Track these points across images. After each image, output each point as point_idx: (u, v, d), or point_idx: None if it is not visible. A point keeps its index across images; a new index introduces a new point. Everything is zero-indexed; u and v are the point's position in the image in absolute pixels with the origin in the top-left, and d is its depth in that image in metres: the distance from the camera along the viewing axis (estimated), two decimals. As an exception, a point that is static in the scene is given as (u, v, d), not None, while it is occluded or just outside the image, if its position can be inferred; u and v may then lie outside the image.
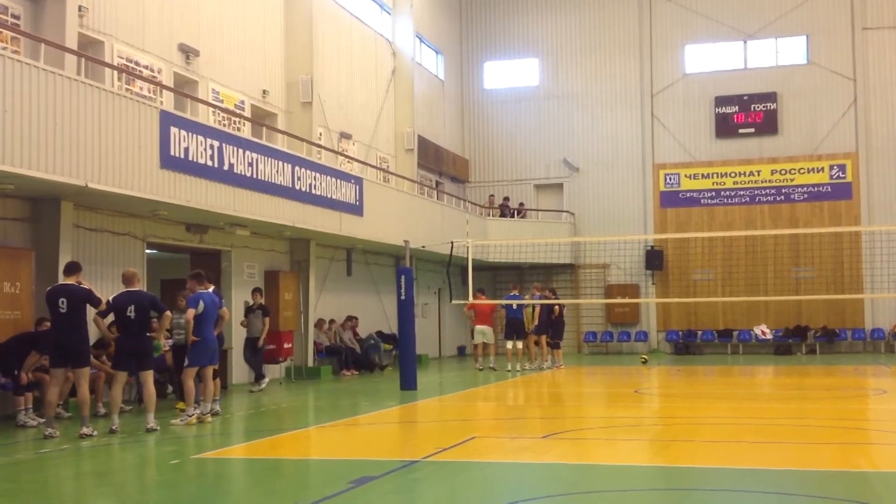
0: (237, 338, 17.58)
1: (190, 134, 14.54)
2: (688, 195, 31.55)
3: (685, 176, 31.64)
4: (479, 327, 22.13)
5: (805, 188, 30.59)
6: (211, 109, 18.12)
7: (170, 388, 14.70)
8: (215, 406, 12.56)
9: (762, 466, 8.32)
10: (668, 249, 31.11)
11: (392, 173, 25.80)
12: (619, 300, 30.37)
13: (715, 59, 31.79)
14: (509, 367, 21.12)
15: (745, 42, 31.42)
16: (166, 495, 7.63)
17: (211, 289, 12.49)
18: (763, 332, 29.90)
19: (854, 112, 30.20)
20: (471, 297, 20.24)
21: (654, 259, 30.87)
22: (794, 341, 29.59)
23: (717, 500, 7.06)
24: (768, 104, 30.97)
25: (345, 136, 24.12)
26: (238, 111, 19.39)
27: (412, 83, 27.85)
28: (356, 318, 22.67)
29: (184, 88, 17.67)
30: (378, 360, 22.63)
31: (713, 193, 31.32)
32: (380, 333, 23.74)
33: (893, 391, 16.83)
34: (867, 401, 15.50)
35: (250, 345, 17.17)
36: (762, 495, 7.03)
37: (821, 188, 30.48)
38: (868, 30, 30.16)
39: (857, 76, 30.21)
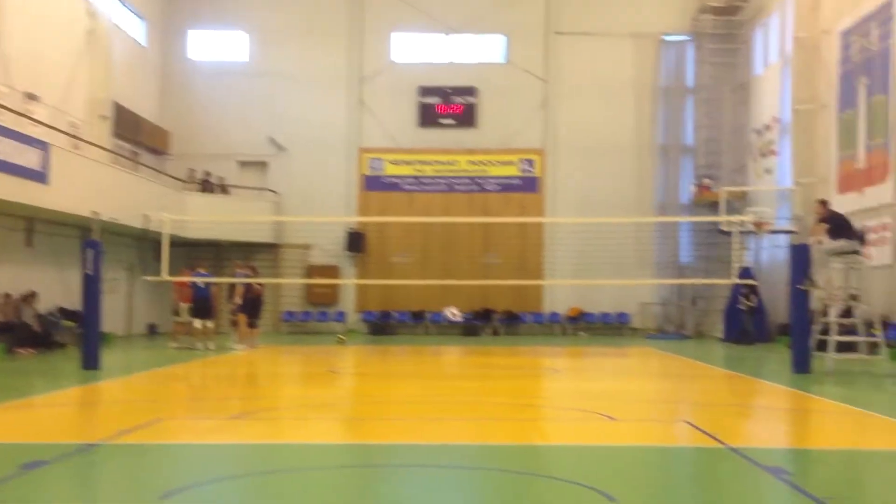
0: None
1: None
2: (390, 180, 32.33)
3: (389, 161, 32.39)
4: (182, 305, 21.80)
5: (497, 180, 32.36)
6: None
7: None
8: None
9: (446, 442, 8.67)
10: (370, 232, 31.72)
11: (84, 140, 24.22)
12: (319, 280, 30.55)
13: (421, 50, 32.76)
14: (199, 346, 20.94)
15: (449, 36, 32.62)
16: None
17: None
18: (453, 314, 31.34)
19: (544, 111, 32.33)
20: (166, 274, 19.46)
21: (356, 241, 31.38)
22: (480, 323, 31.30)
23: (404, 475, 7.26)
24: (468, 98, 32.42)
25: (31, 97, 22.28)
26: None
27: (110, 47, 26.31)
28: (36, 294, 21.07)
29: None
30: (59, 338, 21.19)
31: (414, 180, 32.33)
32: (62, 310, 22.26)
33: (566, 370, 18.26)
34: (542, 379, 16.65)
35: None
36: (446, 469, 7.32)
37: (511, 181, 32.39)
38: (560, 34, 32.37)
39: (548, 77, 32.35)
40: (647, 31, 32.36)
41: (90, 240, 16.85)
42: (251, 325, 22.26)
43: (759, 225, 19.39)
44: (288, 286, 31.50)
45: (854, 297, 16.09)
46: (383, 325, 31.45)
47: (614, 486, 6.53)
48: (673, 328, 31.51)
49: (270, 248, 31.63)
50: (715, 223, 27.84)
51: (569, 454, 8.17)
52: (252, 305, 22.18)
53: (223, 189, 31.35)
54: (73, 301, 22.69)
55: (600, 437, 9.11)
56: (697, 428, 9.47)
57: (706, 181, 30.88)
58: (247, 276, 22.19)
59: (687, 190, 31.99)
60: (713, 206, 29.35)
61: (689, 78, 32.63)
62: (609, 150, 32.14)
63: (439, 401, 12.03)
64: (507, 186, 32.36)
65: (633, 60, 32.47)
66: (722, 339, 28.10)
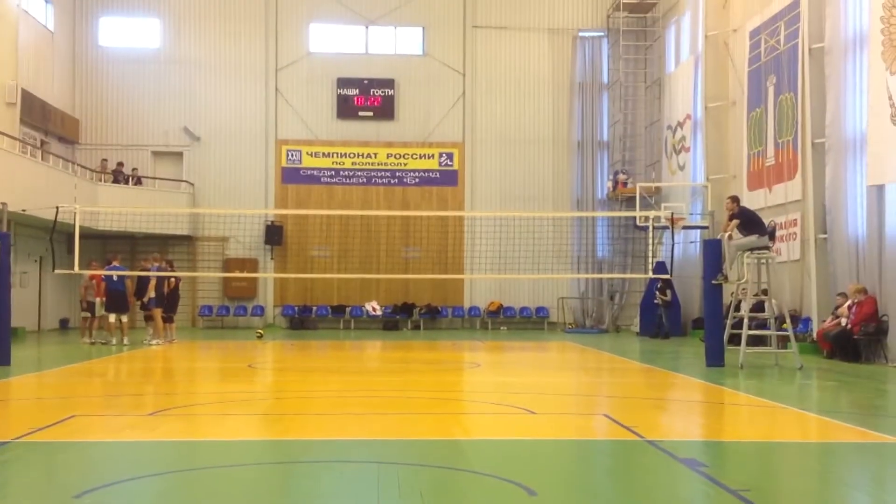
0: None
1: None
2: (309, 173, 32.05)
3: (307, 153, 32.11)
4: (97, 299, 21.33)
5: (417, 173, 32.35)
6: None
7: None
8: None
9: (367, 437, 8.66)
10: (288, 225, 31.43)
11: (-11, 128, 23.45)
12: (237, 274, 30.15)
13: (339, 40, 32.52)
14: (114, 342, 20.50)
15: (367, 27, 32.45)
16: None
17: None
18: (374, 309, 31.27)
19: (462, 104, 32.44)
20: (77, 267, 18.99)
21: (274, 234, 31.05)
22: (401, 317, 31.29)
23: (322, 471, 7.22)
24: (387, 90, 32.30)
25: (-67, 82, 21.48)
26: None
27: (17, 31, 25.49)
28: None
29: None
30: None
31: (333, 172, 32.10)
32: (-32, 304, 21.49)
33: (486, 364, 18.38)
34: (463, 374, 16.72)
35: None
36: (366, 465, 7.31)
37: (431, 174, 32.42)
38: (477, 28, 32.50)
39: (466, 70, 32.46)
40: (563, 26, 32.70)
41: (-2, 232, 16.34)
42: (167, 319, 21.86)
43: (673, 220, 19.79)
44: (205, 280, 30.99)
45: (765, 292, 16.56)
46: (303, 320, 31.19)
47: (535, 480, 6.61)
48: (591, 322, 31.95)
49: (187, 241, 31.07)
50: (631, 218, 28.36)
51: (490, 448, 8.23)
52: (168, 299, 21.79)
53: (137, 180, 30.66)
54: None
55: (521, 431, 9.20)
56: (615, 421, 9.63)
57: (621, 176, 31.39)
58: (160, 269, 21.77)
59: (603, 185, 32.45)
60: (629, 202, 29.88)
61: (605, 74, 33.09)
62: (527, 144, 32.43)
63: (360, 396, 12.00)
64: (426, 180, 32.38)
65: (550, 55, 32.78)
66: (638, 333, 28.62)
